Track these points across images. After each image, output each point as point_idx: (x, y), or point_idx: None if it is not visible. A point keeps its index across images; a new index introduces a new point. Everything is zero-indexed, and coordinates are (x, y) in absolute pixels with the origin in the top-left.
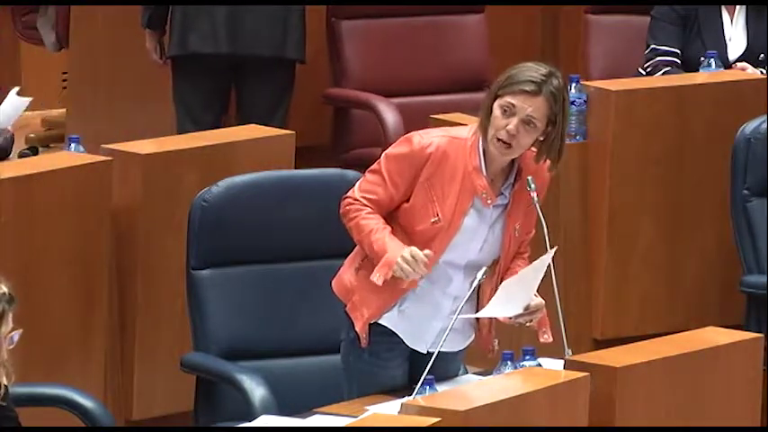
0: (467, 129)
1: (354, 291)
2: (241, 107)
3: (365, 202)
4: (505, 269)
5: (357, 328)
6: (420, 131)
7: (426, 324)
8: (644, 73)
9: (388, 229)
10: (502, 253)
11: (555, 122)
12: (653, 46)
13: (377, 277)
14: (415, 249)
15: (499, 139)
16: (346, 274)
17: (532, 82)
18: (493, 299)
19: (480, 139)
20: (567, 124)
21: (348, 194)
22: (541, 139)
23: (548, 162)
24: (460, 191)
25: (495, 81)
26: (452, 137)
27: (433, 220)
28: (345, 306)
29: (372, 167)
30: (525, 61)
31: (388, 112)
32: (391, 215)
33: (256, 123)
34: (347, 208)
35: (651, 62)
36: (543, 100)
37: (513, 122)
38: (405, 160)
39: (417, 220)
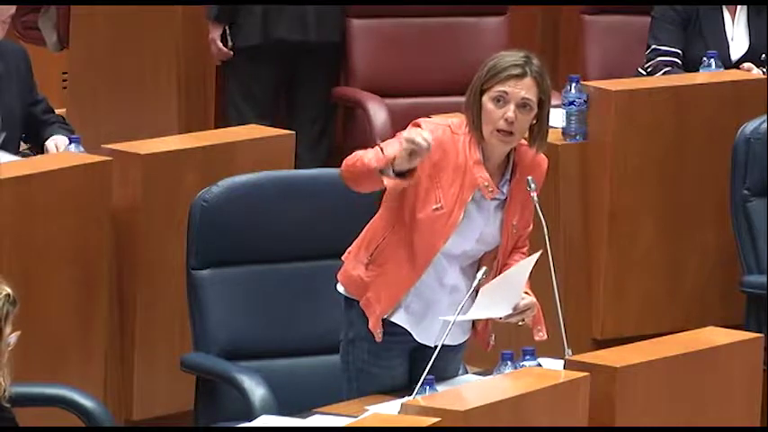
0: (461, 120)
1: (368, 287)
2: (297, 97)
3: None
4: (503, 264)
5: (370, 325)
6: (423, 119)
7: (429, 317)
8: (644, 73)
9: None
10: (500, 248)
11: (542, 102)
12: (654, 46)
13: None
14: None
15: (499, 130)
16: (356, 270)
17: (517, 65)
18: (477, 300)
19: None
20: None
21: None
22: (534, 122)
23: (538, 150)
24: (463, 182)
25: (474, 78)
26: (453, 129)
27: (435, 206)
28: (347, 308)
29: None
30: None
31: (378, 112)
32: (394, 204)
33: (312, 114)
34: (347, 160)
35: (652, 62)
36: (531, 80)
37: (510, 109)
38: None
39: (420, 206)
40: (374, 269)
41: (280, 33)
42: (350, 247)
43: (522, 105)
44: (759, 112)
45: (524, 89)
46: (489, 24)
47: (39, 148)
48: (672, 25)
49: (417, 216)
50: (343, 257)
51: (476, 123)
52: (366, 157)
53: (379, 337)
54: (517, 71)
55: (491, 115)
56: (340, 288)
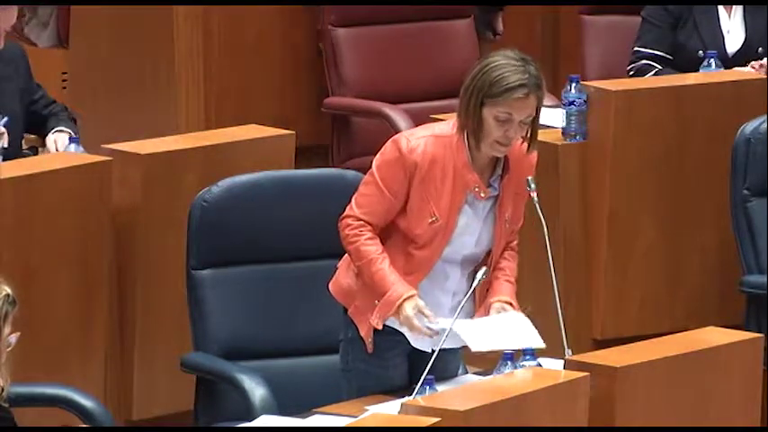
0: (448, 123)
1: (356, 296)
2: None
3: (365, 219)
4: (497, 261)
5: (362, 334)
6: (404, 133)
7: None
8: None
9: (387, 259)
10: (494, 245)
11: (538, 109)
12: (636, 48)
13: (376, 321)
14: (420, 303)
15: (497, 142)
16: (345, 279)
17: (522, 86)
18: (465, 331)
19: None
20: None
21: (346, 214)
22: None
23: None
24: (453, 188)
25: (474, 81)
26: (436, 135)
27: (430, 220)
28: (346, 310)
29: (366, 180)
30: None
31: (400, 120)
32: (390, 223)
33: None
34: (346, 232)
35: (635, 65)
36: (534, 97)
37: (512, 128)
38: (397, 165)
39: (415, 223)
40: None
41: None
42: (345, 255)
43: (524, 122)
44: (759, 112)
45: (528, 108)
46: (457, 27)
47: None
48: (659, 25)
49: (415, 232)
50: (338, 264)
51: (476, 134)
52: (375, 264)
53: (370, 347)
54: (523, 93)
55: (492, 131)
56: (330, 288)
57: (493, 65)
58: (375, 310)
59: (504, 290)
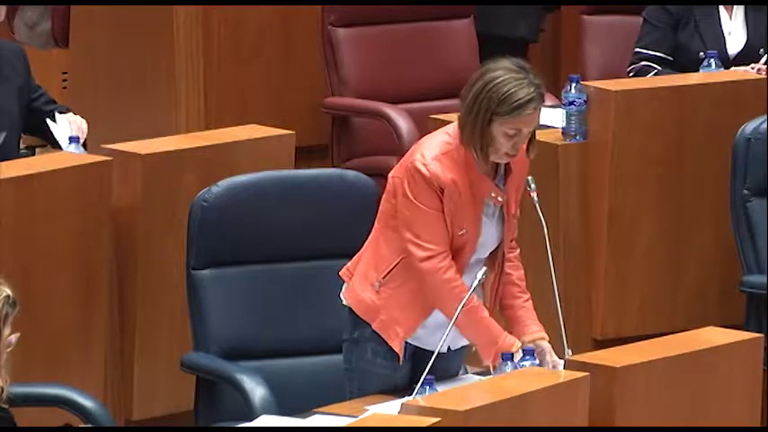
0: (445, 135)
1: (380, 310)
2: None
3: (443, 250)
4: (507, 259)
5: (395, 348)
6: (416, 160)
7: (438, 325)
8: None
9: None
10: (504, 242)
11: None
12: (636, 49)
13: (487, 363)
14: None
15: (506, 154)
16: (366, 293)
17: (531, 100)
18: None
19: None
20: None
21: (425, 255)
22: None
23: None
24: (474, 199)
25: (479, 99)
26: (444, 153)
27: (461, 232)
28: (351, 310)
29: (409, 219)
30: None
31: (401, 120)
32: None
33: None
34: (440, 276)
35: (634, 66)
36: (540, 109)
37: (520, 141)
38: (429, 189)
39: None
40: (387, 291)
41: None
42: (348, 266)
43: (530, 131)
44: (759, 112)
45: (535, 120)
46: (456, 27)
47: (50, 141)
48: (660, 27)
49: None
50: (342, 275)
51: (483, 148)
52: (482, 312)
53: (402, 359)
54: (532, 108)
55: (501, 145)
56: (345, 301)
57: (497, 81)
58: (488, 352)
59: (530, 319)
